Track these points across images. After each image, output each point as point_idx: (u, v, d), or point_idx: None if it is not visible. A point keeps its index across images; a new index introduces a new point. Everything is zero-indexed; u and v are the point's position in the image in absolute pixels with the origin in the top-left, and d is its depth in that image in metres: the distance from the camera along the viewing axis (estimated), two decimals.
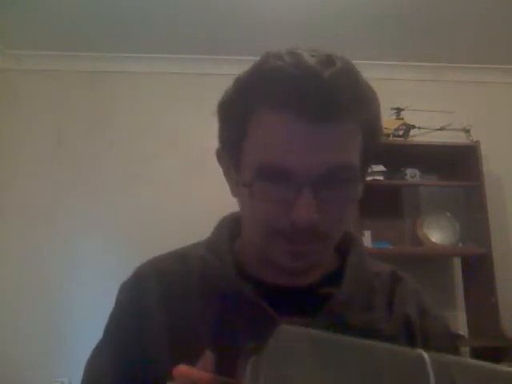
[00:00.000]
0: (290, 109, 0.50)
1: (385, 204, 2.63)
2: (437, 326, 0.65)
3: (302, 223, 0.50)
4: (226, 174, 0.62)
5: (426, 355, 0.35)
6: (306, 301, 0.58)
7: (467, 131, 2.58)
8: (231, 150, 0.57)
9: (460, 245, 2.53)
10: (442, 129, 2.54)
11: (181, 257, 0.64)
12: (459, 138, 2.58)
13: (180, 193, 2.58)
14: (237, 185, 0.58)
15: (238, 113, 0.54)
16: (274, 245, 0.55)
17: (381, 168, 2.46)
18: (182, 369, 0.44)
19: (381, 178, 2.45)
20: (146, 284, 0.61)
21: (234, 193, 0.60)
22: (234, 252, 0.62)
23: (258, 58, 0.56)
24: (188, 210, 2.49)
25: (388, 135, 2.52)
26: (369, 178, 2.43)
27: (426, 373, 0.33)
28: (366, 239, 2.41)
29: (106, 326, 0.63)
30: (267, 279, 0.60)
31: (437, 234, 2.54)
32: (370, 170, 0.57)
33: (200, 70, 2.70)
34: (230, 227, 0.66)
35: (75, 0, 2.27)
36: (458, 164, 2.64)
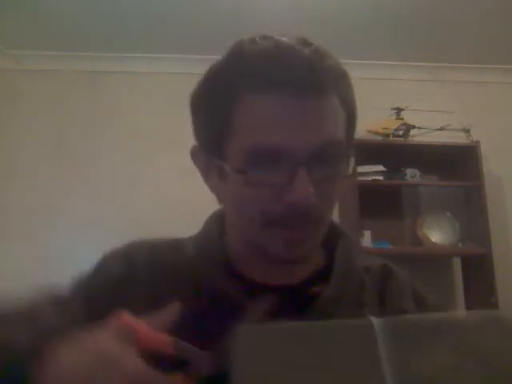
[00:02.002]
0: (276, 88, 0.49)
1: (385, 204, 2.63)
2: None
3: (300, 205, 0.49)
4: (206, 171, 0.59)
5: (375, 321, 0.36)
6: (294, 300, 0.56)
7: (467, 131, 2.58)
8: (214, 143, 0.55)
9: (460, 245, 2.53)
10: (442, 129, 2.54)
11: (176, 248, 0.62)
12: (459, 138, 2.58)
13: (180, 193, 2.57)
14: (221, 179, 0.55)
15: (219, 102, 0.53)
16: (270, 234, 0.53)
17: (381, 168, 2.47)
18: (125, 319, 0.42)
19: (381, 178, 2.46)
20: (138, 263, 0.60)
21: (218, 189, 0.58)
22: (223, 250, 0.60)
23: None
24: (188, 209, 2.49)
25: (388, 135, 2.52)
26: (369, 178, 2.43)
27: (374, 338, 0.35)
28: (366, 239, 2.41)
29: (89, 273, 0.62)
30: (255, 278, 0.58)
31: (437, 234, 2.54)
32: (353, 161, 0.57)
33: (200, 69, 2.69)
34: (219, 223, 0.64)
35: (75, 0, 2.27)
36: (458, 164, 2.64)
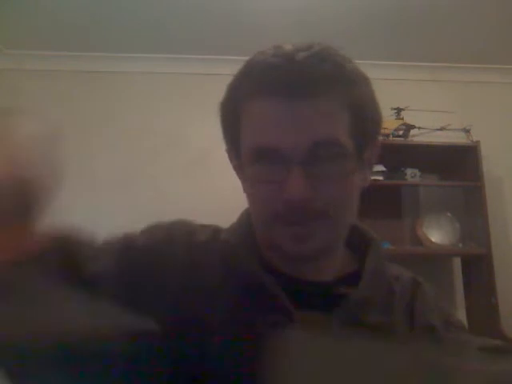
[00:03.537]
0: (269, 92, 0.53)
1: (385, 204, 2.63)
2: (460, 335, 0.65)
3: (294, 201, 0.52)
4: (236, 171, 0.63)
5: None
6: (322, 298, 0.58)
7: (467, 131, 2.58)
8: (232, 145, 0.60)
9: (460, 245, 2.53)
10: (442, 129, 2.54)
11: (215, 234, 0.65)
12: (459, 138, 2.58)
13: (180, 193, 2.57)
14: (242, 179, 0.61)
15: (231, 108, 0.58)
16: (276, 230, 0.56)
17: (381, 168, 2.46)
18: None
19: (381, 178, 2.45)
20: (177, 241, 0.62)
21: (243, 188, 0.62)
22: (256, 241, 0.63)
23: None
24: (188, 209, 2.48)
25: (388, 135, 2.52)
26: None
27: None
28: None
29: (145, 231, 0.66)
30: (287, 272, 0.60)
31: (437, 234, 2.54)
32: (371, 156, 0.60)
33: (200, 69, 2.70)
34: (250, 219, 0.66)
35: (75, 0, 2.27)
36: (458, 164, 2.64)
